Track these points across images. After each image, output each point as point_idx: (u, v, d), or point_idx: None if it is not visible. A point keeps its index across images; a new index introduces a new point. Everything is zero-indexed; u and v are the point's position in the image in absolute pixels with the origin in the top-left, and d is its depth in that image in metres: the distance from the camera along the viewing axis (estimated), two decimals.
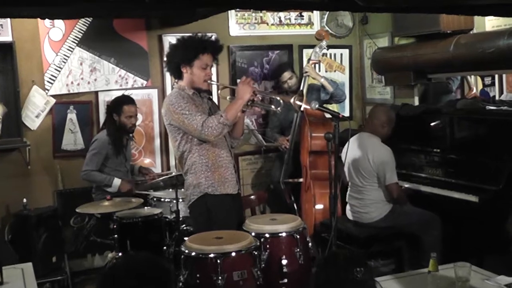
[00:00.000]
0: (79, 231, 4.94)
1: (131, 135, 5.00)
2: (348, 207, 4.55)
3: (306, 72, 5.22)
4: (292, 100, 3.54)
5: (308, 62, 5.29)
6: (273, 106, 3.74)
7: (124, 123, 4.82)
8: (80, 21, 5.17)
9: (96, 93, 5.32)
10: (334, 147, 3.51)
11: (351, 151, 4.38)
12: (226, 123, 3.50)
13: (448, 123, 4.69)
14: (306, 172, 5.07)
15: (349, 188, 4.54)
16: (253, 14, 5.89)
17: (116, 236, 4.11)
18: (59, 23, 5.12)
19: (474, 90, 5.52)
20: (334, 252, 3.09)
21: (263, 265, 3.30)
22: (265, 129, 5.74)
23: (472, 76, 5.54)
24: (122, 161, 4.88)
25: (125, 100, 4.91)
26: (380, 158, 4.28)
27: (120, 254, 4.07)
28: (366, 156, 4.31)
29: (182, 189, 3.95)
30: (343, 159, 4.47)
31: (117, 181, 4.72)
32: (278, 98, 3.76)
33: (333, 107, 5.86)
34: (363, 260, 2.04)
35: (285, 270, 3.36)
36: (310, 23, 6.13)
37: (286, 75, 5.43)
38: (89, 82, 5.28)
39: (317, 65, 5.71)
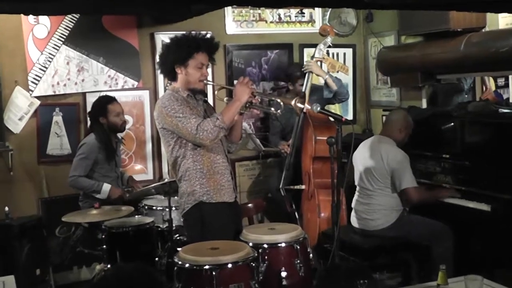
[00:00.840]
0: (65, 242, 4.94)
1: (120, 137, 5.02)
2: (353, 213, 4.56)
3: (309, 67, 5.16)
4: (293, 102, 3.53)
5: (311, 60, 5.22)
6: (272, 109, 3.74)
7: (114, 122, 4.83)
8: (66, 17, 5.18)
9: (84, 94, 5.33)
10: (336, 152, 3.52)
11: (364, 153, 4.44)
12: (222, 126, 3.50)
13: (459, 127, 4.69)
14: (309, 179, 5.06)
15: (356, 193, 4.56)
16: (251, 11, 5.91)
17: (104, 246, 4.11)
18: (44, 19, 5.13)
19: (492, 89, 5.50)
20: (336, 264, 3.11)
21: (261, 277, 3.30)
22: (265, 134, 5.75)
23: (485, 77, 5.55)
24: (113, 166, 4.89)
25: (107, 99, 4.91)
26: (395, 161, 4.31)
27: (109, 266, 4.07)
28: (380, 158, 4.35)
29: (175, 197, 3.95)
30: (354, 162, 4.49)
31: (106, 187, 4.73)
32: (279, 100, 3.77)
33: (335, 109, 5.87)
34: (367, 272, 2.07)
35: (284, 282, 3.36)
36: (311, 21, 6.14)
37: (301, 81, 5.29)
38: (76, 83, 5.29)
39: (318, 63, 5.70)
